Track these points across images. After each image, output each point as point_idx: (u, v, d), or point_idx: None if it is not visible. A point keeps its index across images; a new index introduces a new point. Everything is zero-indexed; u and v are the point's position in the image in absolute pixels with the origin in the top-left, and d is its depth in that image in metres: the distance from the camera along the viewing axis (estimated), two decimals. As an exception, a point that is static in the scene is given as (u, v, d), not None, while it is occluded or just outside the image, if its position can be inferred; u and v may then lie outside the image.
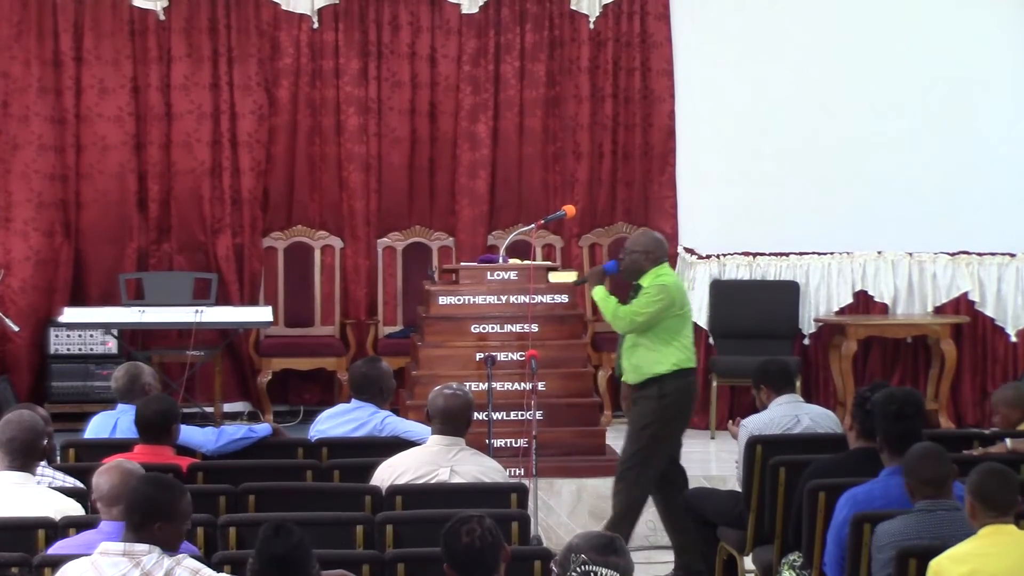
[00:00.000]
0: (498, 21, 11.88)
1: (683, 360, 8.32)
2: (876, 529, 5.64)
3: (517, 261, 9.75)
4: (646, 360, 8.26)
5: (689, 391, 8.43)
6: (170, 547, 4.93)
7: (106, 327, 10.86)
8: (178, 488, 5.07)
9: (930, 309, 11.75)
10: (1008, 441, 7.35)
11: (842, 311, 11.74)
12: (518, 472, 8.60)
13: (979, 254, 11.77)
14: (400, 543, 5.81)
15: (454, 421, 6.61)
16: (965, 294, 11.77)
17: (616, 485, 8.33)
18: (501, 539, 4.67)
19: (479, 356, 9.26)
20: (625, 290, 8.41)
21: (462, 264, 10.16)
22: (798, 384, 7.97)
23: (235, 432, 7.49)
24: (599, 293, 8.41)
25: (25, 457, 6.05)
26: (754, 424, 7.65)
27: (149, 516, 4.93)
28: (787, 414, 7.63)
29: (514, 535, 5.84)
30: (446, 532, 4.66)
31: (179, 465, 6.75)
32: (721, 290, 11.57)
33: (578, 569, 4.34)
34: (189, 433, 7.37)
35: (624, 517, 8.29)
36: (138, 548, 4.88)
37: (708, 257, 11.71)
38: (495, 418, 8.67)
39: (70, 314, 10.75)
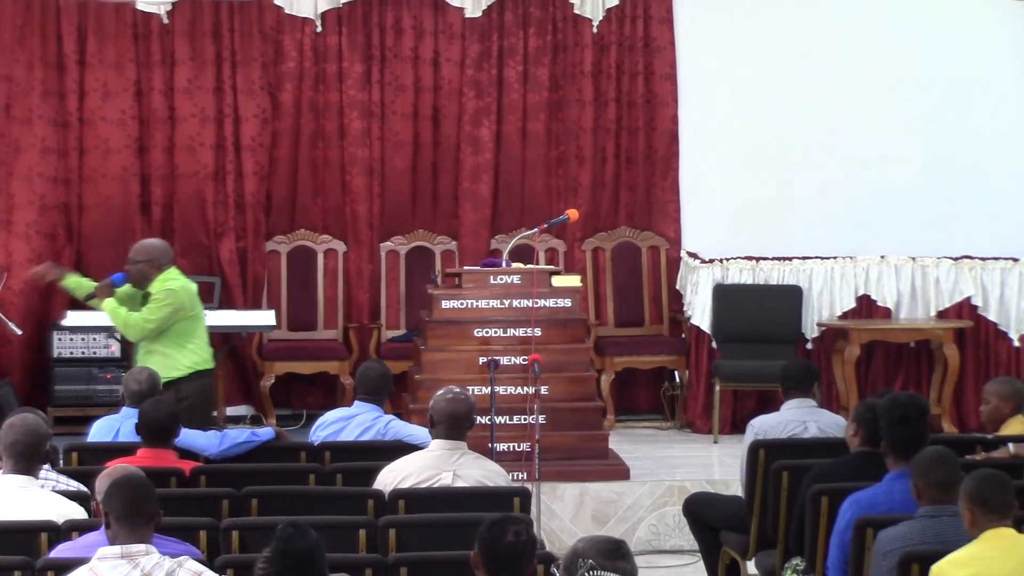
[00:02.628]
0: (501, 25, 11.88)
1: (198, 362, 8.55)
2: (879, 535, 5.63)
3: (520, 265, 9.75)
4: (162, 366, 8.37)
5: (206, 392, 8.61)
6: (151, 539, 5.01)
7: (109, 331, 10.85)
8: (149, 481, 5.17)
9: (933, 314, 11.75)
10: (1011, 446, 7.35)
11: (845, 315, 11.73)
12: (521, 476, 8.62)
13: (982, 259, 11.76)
14: (403, 547, 5.81)
15: (457, 426, 6.61)
16: (968, 299, 11.76)
17: None
18: (536, 550, 4.66)
19: (482, 360, 9.26)
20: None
21: (465, 268, 10.16)
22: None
23: (238, 436, 7.49)
24: (108, 306, 8.59)
25: (28, 460, 6.06)
26: (760, 424, 7.67)
27: (147, 513, 4.96)
28: (795, 419, 7.63)
29: (517, 539, 5.83)
30: (491, 524, 4.59)
31: (182, 469, 6.77)
32: (724, 294, 11.56)
33: (585, 574, 4.30)
34: (192, 437, 7.38)
35: None
36: (135, 549, 4.90)
37: (711, 261, 11.71)
38: (498, 422, 8.67)
39: (72, 317, 10.77)
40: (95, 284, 8.72)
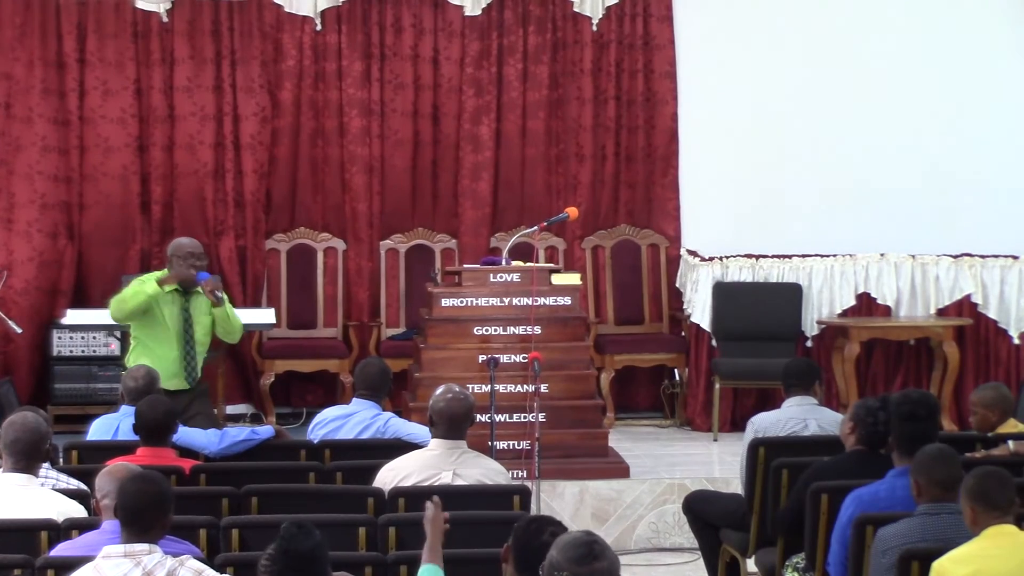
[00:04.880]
0: (501, 23, 11.88)
1: None
2: (878, 533, 5.64)
3: (520, 263, 9.74)
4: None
5: None
6: (159, 540, 5.00)
7: (109, 329, 10.85)
8: (167, 482, 5.15)
9: (933, 311, 11.75)
10: (1011, 443, 7.35)
11: (845, 313, 11.73)
12: (521, 474, 8.62)
13: (982, 256, 11.76)
14: (403, 545, 5.81)
15: (456, 425, 6.59)
16: (968, 296, 11.76)
17: None
18: None
19: (482, 358, 9.26)
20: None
21: (465, 266, 10.16)
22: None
23: (238, 434, 7.50)
24: (231, 308, 8.61)
25: (28, 459, 6.06)
26: (760, 422, 7.68)
27: (154, 516, 4.96)
28: (795, 416, 7.66)
29: (516, 537, 5.83)
30: (530, 521, 4.61)
31: (182, 467, 6.77)
32: (724, 292, 11.56)
33: None
34: (192, 435, 7.39)
35: None
36: (138, 548, 4.90)
37: (711, 259, 11.70)
38: (498, 420, 8.67)
39: (73, 316, 10.77)
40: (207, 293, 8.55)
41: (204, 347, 8.61)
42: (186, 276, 8.48)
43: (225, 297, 8.61)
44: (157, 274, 8.59)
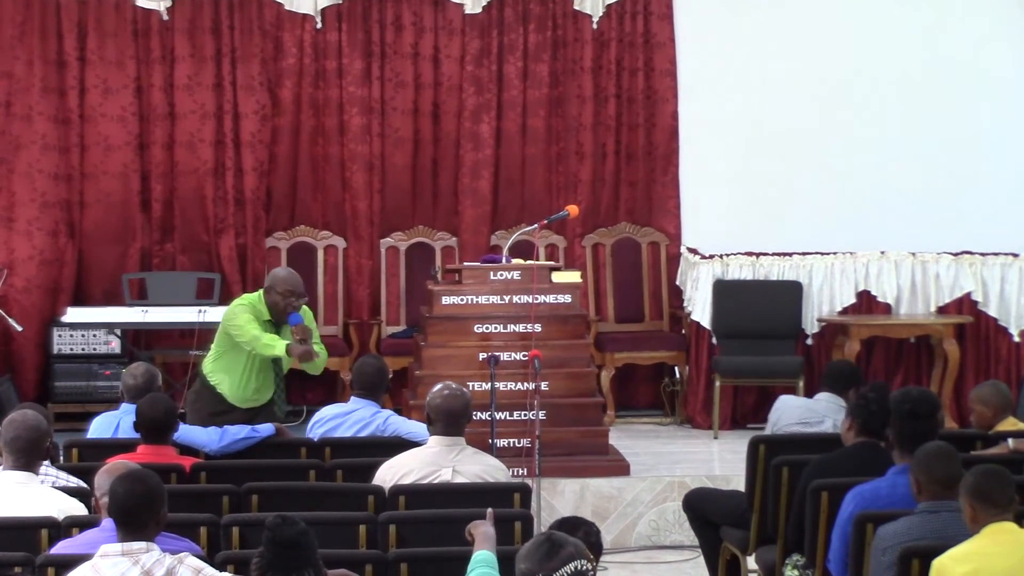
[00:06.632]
0: (501, 21, 11.88)
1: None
2: (878, 531, 5.64)
3: (520, 261, 9.74)
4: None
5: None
6: (155, 537, 5.01)
7: (109, 327, 10.87)
8: (158, 479, 5.14)
9: (933, 309, 11.75)
10: (1011, 441, 7.35)
11: (845, 311, 11.73)
12: (521, 472, 8.62)
13: (982, 254, 11.76)
14: (403, 543, 5.82)
15: (454, 422, 6.59)
16: (968, 294, 11.76)
17: None
18: (600, 555, 4.73)
19: (482, 356, 9.26)
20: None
21: (465, 264, 10.15)
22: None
23: (238, 432, 7.50)
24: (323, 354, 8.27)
25: (29, 456, 6.06)
26: (783, 402, 7.96)
27: (146, 515, 4.96)
28: (816, 410, 7.72)
29: (517, 535, 5.85)
30: (563, 521, 4.74)
31: (182, 465, 6.77)
32: (724, 290, 11.56)
33: None
34: (192, 433, 7.40)
35: None
36: (136, 546, 4.90)
37: (711, 257, 11.71)
38: (498, 418, 8.68)
39: (73, 314, 10.79)
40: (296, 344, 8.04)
41: (282, 374, 8.34)
42: (306, 359, 8.03)
43: (316, 334, 8.18)
44: (283, 342, 7.97)
